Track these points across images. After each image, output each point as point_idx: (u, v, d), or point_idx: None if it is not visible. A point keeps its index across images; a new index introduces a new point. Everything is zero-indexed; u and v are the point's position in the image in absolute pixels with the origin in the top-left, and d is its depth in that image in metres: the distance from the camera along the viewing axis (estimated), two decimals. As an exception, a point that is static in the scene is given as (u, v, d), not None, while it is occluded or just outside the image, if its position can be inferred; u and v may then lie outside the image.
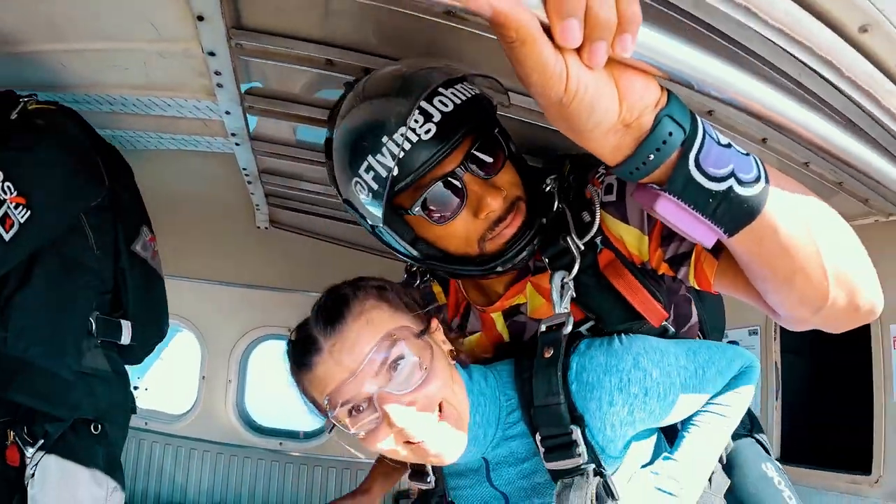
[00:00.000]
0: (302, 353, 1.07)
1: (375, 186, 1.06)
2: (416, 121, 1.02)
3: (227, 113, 1.87)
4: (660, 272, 1.16)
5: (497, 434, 1.20)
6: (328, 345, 1.03)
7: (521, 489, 1.26)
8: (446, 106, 1.05)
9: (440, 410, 1.08)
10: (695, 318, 1.39)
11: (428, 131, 1.03)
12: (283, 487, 3.52)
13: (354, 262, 3.42)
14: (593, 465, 1.11)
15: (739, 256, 0.86)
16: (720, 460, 1.45)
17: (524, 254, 1.15)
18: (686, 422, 1.30)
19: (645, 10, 0.58)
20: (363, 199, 1.09)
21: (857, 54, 0.95)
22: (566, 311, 1.16)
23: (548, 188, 1.25)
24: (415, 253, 1.20)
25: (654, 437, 1.29)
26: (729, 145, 0.72)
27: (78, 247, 1.70)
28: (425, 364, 1.05)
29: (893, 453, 2.25)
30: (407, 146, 1.03)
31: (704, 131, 0.70)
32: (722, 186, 0.70)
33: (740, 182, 0.71)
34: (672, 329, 1.29)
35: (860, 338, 2.37)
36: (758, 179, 0.72)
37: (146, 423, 3.45)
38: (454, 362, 1.17)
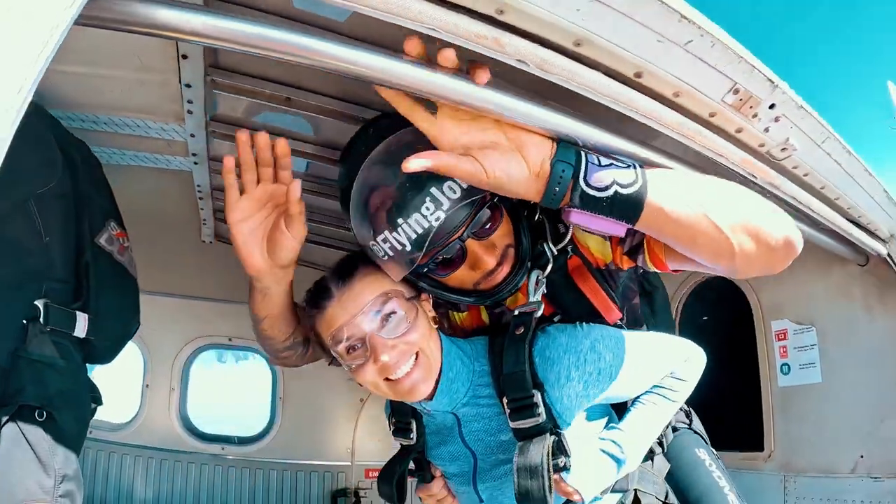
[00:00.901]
0: (317, 298, 1.35)
1: (392, 255, 1.25)
2: (427, 208, 1.18)
3: (192, 136, 2.11)
4: (624, 267, 1.45)
5: (468, 393, 1.44)
6: (338, 294, 1.33)
7: (488, 446, 1.48)
8: (455, 192, 1.18)
9: (416, 358, 1.34)
10: (643, 323, 1.73)
11: (437, 218, 1.18)
12: (226, 491, 3.67)
13: (303, 278, 3.71)
14: (550, 425, 1.35)
15: (656, 236, 1.20)
16: (662, 448, 1.74)
17: (511, 287, 1.39)
18: (635, 400, 1.55)
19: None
20: (382, 258, 1.29)
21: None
22: (537, 300, 1.40)
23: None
24: (417, 283, 1.41)
25: (606, 418, 1.56)
26: (609, 164, 1.05)
27: (21, 230, 1.66)
28: (409, 319, 1.33)
29: (781, 431, 2.57)
30: (419, 230, 1.19)
31: (586, 160, 1.04)
32: (608, 193, 1.03)
33: (621, 186, 1.03)
34: (625, 328, 1.53)
35: (747, 332, 2.78)
36: (635, 182, 1.04)
37: (91, 432, 3.40)
38: (436, 327, 1.43)
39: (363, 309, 1.31)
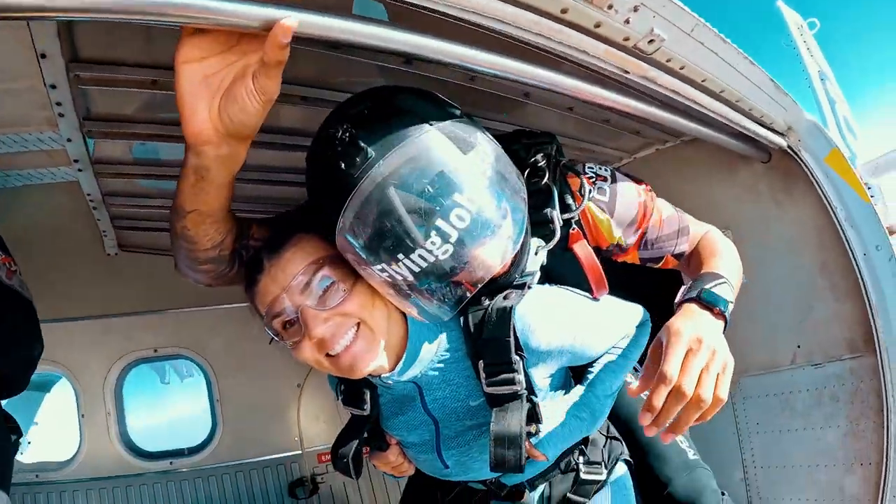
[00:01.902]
0: (250, 271, 1.30)
1: (389, 281, 1.17)
2: (433, 242, 1.09)
3: (69, 140, 2.04)
4: (627, 259, 1.62)
5: (435, 358, 1.41)
6: (268, 265, 1.25)
7: (453, 411, 1.47)
8: (463, 221, 1.09)
9: (357, 329, 1.27)
10: None
11: (446, 251, 1.10)
12: (184, 503, 3.65)
13: None
14: (527, 393, 1.35)
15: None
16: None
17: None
18: (594, 362, 1.57)
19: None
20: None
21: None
22: (535, 271, 1.39)
23: (539, 163, 1.47)
24: None
25: (564, 380, 1.61)
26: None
27: None
28: (346, 287, 1.25)
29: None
30: (423, 265, 1.11)
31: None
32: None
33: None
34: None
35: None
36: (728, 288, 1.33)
37: (37, 476, 3.45)
38: None
39: (292, 279, 1.23)
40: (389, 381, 1.42)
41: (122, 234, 3.22)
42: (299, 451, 4.11)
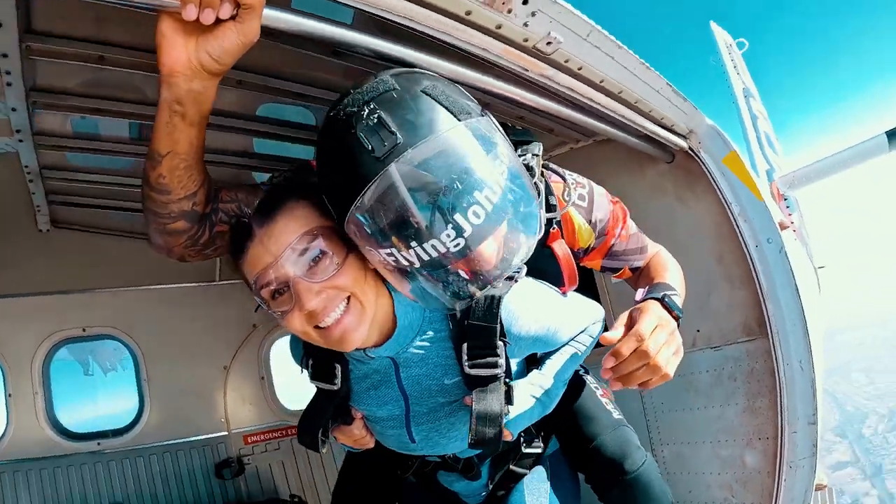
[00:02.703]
0: (239, 239, 1.28)
1: (393, 264, 1.19)
2: (447, 235, 1.11)
3: (14, 110, 2.08)
4: (587, 264, 1.78)
5: (417, 336, 1.47)
6: (259, 234, 1.25)
7: (426, 389, 1.53)
8: (478, 217, 1.12)
9: (348, 302, 1.29)
10: None
11: (457, 245, 1.13)
12: (109, 486, 3.67)
13: (140, 251, 3.67)
14: (504, 377, 1.45)
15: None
16: None
17: None
18: (553, 351, 1.69)
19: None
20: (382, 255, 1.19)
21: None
22: (520, 267, 1.36)
23: (530, 163, 1.54)
24: None
25: (523, 363, 1.72)
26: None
27: None
28: (338, 260, 1.26)
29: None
30: (433, 255, 1.13)
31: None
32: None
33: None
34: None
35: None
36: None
37: None
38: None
39: (285, 249, 1.23)
40: (371, 356, 1.48)
41: (56, 209, 3.24)
42: (225, 433, 4.20)
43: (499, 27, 1.47)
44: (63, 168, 2.78)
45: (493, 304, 1.40)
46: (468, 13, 1.38)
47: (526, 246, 1.26)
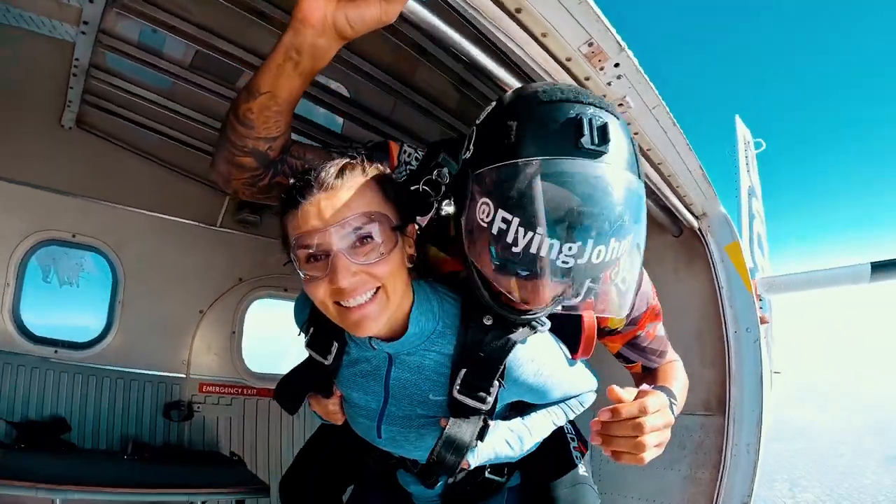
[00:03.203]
0: (296, 192, 1.26)
1: (491, 230, 1.16)
2: (569, 248, 1.12)
3: (91, 1, 2.15)
4: (605, 344, 1.76)
5: (422, 346, 1.45)
6: (319, 195, 1.23)
7: (410, 396, 1.52)
8: (598, 259, 1.15)
9: (376, 293, 1.28)
10: None
11: (564, 263, 1.14)
12: (56, 396, 3.64)
13: (152, 175, 3.74)
14: (486, 413, 1.45)
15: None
16: None
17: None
18: (540, 406, 1.69)
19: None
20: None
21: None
22: (547, 323, 1.43)
23: None
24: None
25: (507, 407, 1.69)
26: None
27: None
28: (385, 250, 1.25)
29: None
30: (539, 252, 1.13)
31: None
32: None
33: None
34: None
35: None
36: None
37: None
38: (410, 266, 1.37)
39: (341, 221, 1.22)
40: (374, 346, 1.47)
41: (86, 109, 3.24)
42: (183, 375, 4.21)
43: (587, 79, 1.65)
44: (110, 72, 2.82)
45: (507, 346, 1.40)
46: (568, 59, 1.56)
47: (625, 304, 1.31)
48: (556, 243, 1.11)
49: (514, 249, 1.13)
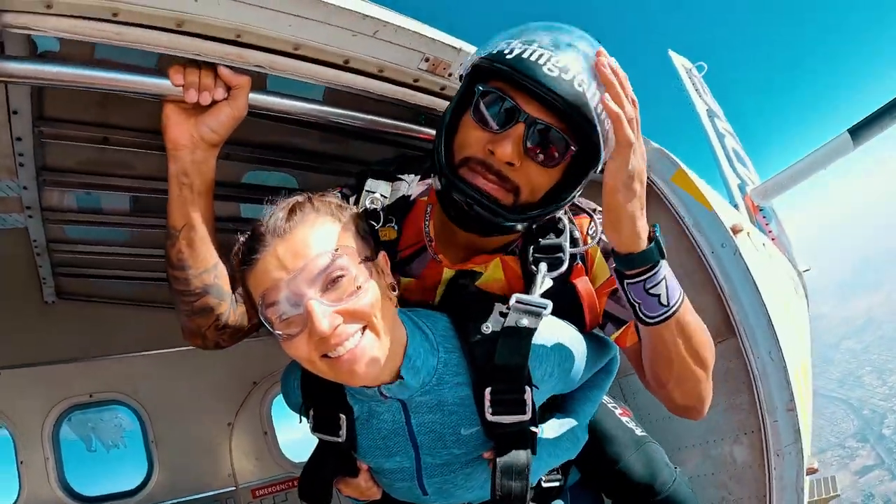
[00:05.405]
0: (249, 249, 1.20)
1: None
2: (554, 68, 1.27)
3: (25, 188, 2.43)
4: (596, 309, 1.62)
5: (432, 380, 1.37)
6: (274, 244, 1.17)
7: (440, 438, 1.42)
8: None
9: (363, 332, 1.19)
10: None
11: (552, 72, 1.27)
12: None
13: (141, 318, 4.05)
14: (530, 423, 1.36)
15: (649, 350, 1.44)
16: None
17: (496, 221, 1.39)
18: (572, 393, 1.66)
19: None
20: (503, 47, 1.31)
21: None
22: (548, 302, 1.37)
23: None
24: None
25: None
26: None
27: None
28: (360, 282, 1.17)
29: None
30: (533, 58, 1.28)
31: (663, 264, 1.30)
32: (661, 289, 1.32)
33: (670, 290, 1.33)
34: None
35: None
36: (679, 299, 1.34)
37: None
38: (396, 294, 1.34)
39: (305, 265, 1.15)
40: (386, 394, 1.37)
41: (61, 281, 3.57)
42: (233, 487, 4.42)
43: (443, 88, 1.88)
44: (68, 241, 3.12)
45: (524, 344, 1.34)
46: (416, 80, 1.80)
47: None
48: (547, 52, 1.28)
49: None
